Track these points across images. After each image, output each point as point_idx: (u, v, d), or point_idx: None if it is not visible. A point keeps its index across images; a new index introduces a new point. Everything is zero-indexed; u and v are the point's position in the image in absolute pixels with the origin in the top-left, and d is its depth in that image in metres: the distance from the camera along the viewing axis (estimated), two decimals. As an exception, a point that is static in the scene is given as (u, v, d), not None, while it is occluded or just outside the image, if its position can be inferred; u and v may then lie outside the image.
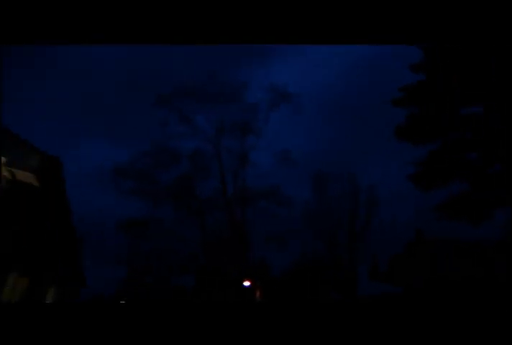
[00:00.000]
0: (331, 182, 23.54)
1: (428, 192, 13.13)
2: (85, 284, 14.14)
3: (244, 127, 20.30)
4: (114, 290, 32.80)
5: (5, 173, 1.85)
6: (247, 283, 17.95)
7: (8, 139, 1.92)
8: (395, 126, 14.18)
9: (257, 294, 19.40)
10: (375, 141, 43.90)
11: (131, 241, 19.30)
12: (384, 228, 21.51)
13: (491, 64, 10.69)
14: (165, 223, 19.37)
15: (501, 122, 10.92)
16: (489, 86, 11.01)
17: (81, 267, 10.18)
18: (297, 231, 20.93)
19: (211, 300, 19.54)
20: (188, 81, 19.70)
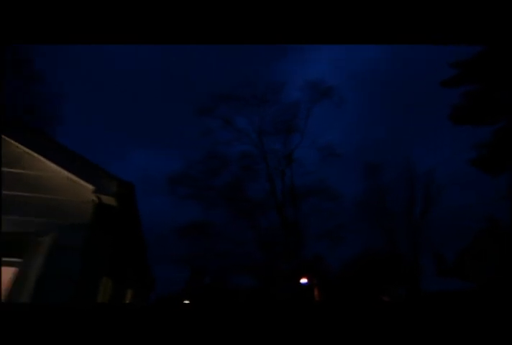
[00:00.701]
0: (384, 171, 21.86)
1: (499, 176, 11.93)
2: (154, 286, 15.21)
3: (286, 126, 20.26)
4: (177, 290, 34.79)
5: (94, 198, 2.35)
6: (304, 280, 17.87)
7: (92, 169, 2.38)
8: (451, 108, 13.11)
9: (315, 291, 19.23)
10: (426, 127, 40.81)
11: (190, 244, 20.29)
12: (446, 218, 19.62)
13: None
14: (220, 225, 20.05)
15: None
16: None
17: (151, 271, 10.97)
18: (352, 225, 20.30)
19: (271, 299, 19.74)
20: (226, 84, 20.05)
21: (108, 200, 2.37)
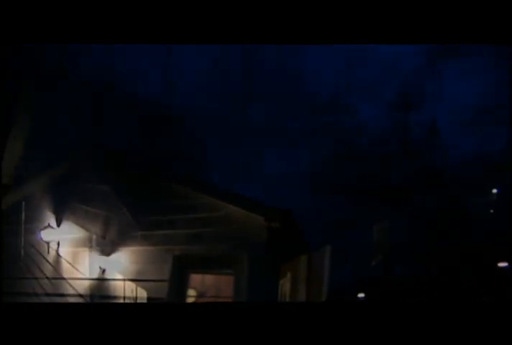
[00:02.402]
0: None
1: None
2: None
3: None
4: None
5: (265, 224, 2.94)
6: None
7: (258, 205, 2.92)
8: None
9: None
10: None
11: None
12: None
13: None
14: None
15: None
16: None
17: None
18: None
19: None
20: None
21: (274, 224, 2.95)
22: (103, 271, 2.05)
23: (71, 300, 2.83)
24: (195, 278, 2.67)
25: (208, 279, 2.86)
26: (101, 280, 2.06)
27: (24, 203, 6.57)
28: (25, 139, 6.79)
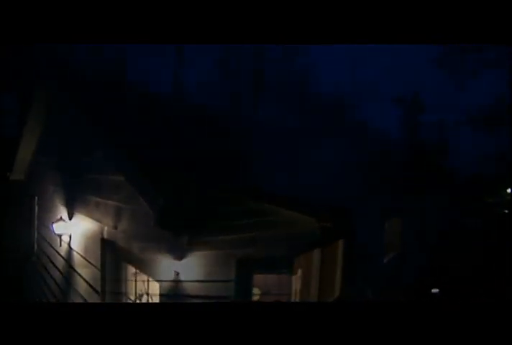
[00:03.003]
0: None
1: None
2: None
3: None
4: None
5: (318, 225, 3.06)
6: None
7: (312, 206, 3.04)
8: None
9: None
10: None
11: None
12: None
13: None
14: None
15: None
16: None
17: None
18: None
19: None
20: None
21: (326, 224, 3.17)
22: (177, 274, 2.48)
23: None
24: (259, 278, 2.96)
25: (270, 278, 3.20)
26: (175, 282, 2.45)
27: (36, 197, 6.69)
28: (39, 135, 6.91)
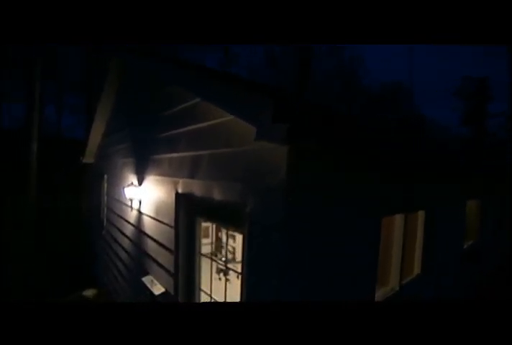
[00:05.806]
0: None
1: None
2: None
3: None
4: None
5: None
6: None
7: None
8: None
9: None
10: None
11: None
12: None
13: None
14: None
15: None
16: None
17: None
18: None
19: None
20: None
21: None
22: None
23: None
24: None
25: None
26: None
27: (106, 176, 7.03)
28: (108, 119, 7.29)
